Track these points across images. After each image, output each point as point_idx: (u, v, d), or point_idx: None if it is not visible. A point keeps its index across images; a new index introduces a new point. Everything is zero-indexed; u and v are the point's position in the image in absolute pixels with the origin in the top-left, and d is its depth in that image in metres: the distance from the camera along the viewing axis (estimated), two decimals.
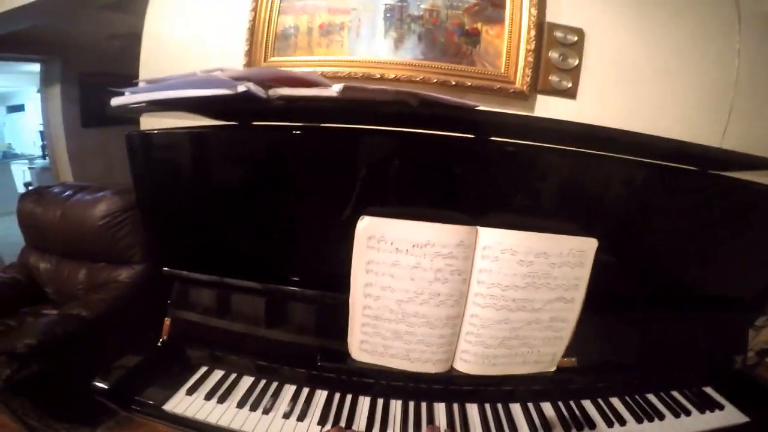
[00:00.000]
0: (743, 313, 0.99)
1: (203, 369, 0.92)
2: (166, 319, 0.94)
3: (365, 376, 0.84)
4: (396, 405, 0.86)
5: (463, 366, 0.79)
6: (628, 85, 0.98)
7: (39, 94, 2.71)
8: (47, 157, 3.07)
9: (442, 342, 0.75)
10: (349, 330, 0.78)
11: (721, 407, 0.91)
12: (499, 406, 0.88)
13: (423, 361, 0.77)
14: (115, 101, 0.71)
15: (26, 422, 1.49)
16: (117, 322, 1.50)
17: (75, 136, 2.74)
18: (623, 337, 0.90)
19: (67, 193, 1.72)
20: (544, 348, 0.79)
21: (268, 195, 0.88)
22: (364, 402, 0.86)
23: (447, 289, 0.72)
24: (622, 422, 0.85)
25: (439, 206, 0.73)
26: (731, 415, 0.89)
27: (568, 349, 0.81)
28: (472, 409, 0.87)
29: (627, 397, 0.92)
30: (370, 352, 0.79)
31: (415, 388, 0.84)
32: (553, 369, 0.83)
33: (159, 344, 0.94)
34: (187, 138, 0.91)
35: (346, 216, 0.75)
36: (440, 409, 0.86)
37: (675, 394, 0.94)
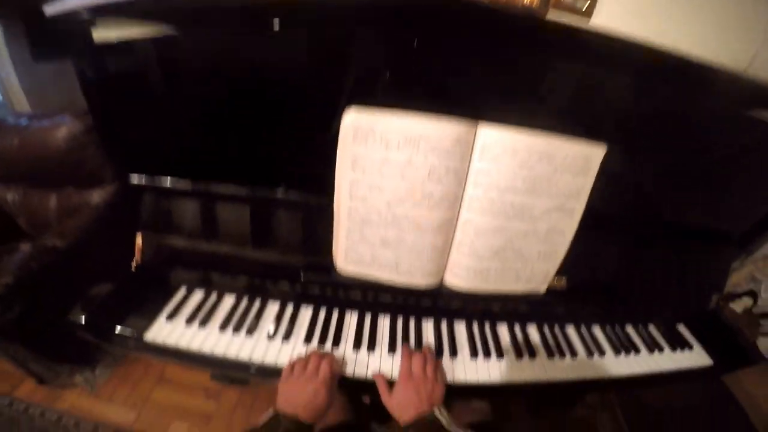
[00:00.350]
0: (730, 246, 0.97)
1: (182, 290, 0.87)
2: (137, 236, 0.87)
3: (351, 289, 0.79)
4: (384, 321, 0.83)
5: (454, 280, 0.75)
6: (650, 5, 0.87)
7: None
8: (1, 95, 2.83)
9: (433, 251, 0.71)
10: (334, 238, 0.73)
11: (691, 347, 0.92)
12: (487, 325, 0.86)
13: (413, 274, 0.73)
14: (51, 9, 0.60)
15: (28, 368, 1.48)
16: (95, 247, 1.43)
17: (27, 71, 2.53)
18: (612, 262, 0.87)
19: (21, 121, 1.59)
20: (539, 264, 0.76)
21: (243, 96, 0.78)
22: (351, 318, 0.83)
23: (441, 190, 0.66)
24: (602, 352, 0.85)
25: (434, 101, 0.65)
26: (698, 356, 0.91)
27: (559, 268, 0.78)
28: (460, 327, 0.85)
29: (608, 326, 0.93)
30: (356, 262, 0.74)
31: (403, 303, 0.81)
32: (544, 289, 0.81)
33: (133, 266, 0.87)
34: (149, 45, 0.77)
35: (332, 113, 0.66)
36: (428, 326, 0.84)
37: (651, 328, 0.95)
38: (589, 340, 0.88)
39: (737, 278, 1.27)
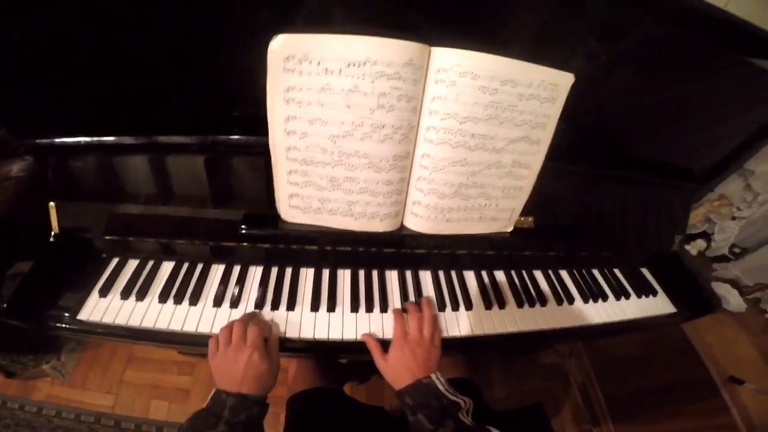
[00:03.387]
0: (693, 183, 0.96)
1: (114, 261, 0.77)
2: (50, 205, 0.74)
3: (302, 241, 0.71)
4: (344, 276, 0.76)
5: (414, 222, 0.69)
6: None
7: None
8: None
9: (389, 190, 0.63)
10: (275, 183, 0.63)
11: (655, 293, 0.92)
12: (453, 274, 0.81)
13: (369, 217, 0.66)
14: None
15: None
16: (21, 222, 1.28)
17: None
18: (578, 199, 0.84)
19: None
20: (504, 201, 0.70)
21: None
22: (307, 275, 0.76)
23: (393, 120, 0.57)
24: (571, 299, 0.83)
25: (378, 21, 0.55)
26: (663, 303, 0.91)
27: (525, 206, 0.73)
28: (426, 276, 0.80)
29: (575, 271, 0.90)
30: (302, 209, 0.65)
31: (364, 253, 0.74)
32: (510, 229, 0.76)
33: (51, 239, 0.74)
34: None
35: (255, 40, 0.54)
36: (392, 277, 0.78)
37: (617, 272, 0.94)
38: (558, 287, 0.85)
39: (692, 219, 1.30)
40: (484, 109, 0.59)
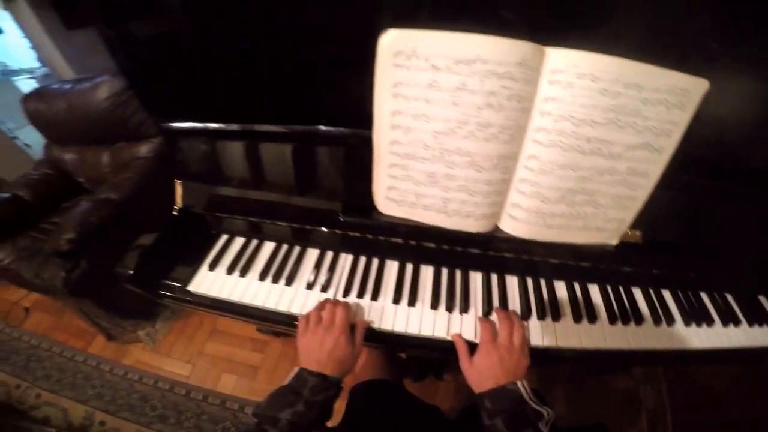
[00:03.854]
0: None
1: (223, 238, 0.86)
2: (176, 183, 0.86)
3: (393, 234, 0.73)
4: (427, 271, 0.77)
5: (510, 225, 0.66)
6: None
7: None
8: (46, 66, 2.99)
9: (489, 190, 0.62)
10: (374, 175, 0.66)
11: None
12: (543, 282, 0.77)
13: (463, 216, 0.65)
14: None
15: (99, 324, 1.64)
16: (145, 198, 1.50)
17: (63, 39, 2.63)
18: (696, 215, 0.73)
19: (67, 86, 1.67)
20: (613, 211, 0.64)
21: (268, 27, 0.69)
22: (392, 267, 0.78)
23: (501, 119, 0.56)
24: (670, 320, 0.74)
25: (487, 21, 0.53)
26: None
27: (634, 218, 0.66)
28: (512, 282, 0.77)
29: (680, 292, 0.80)
30: (398, 202, 0.67)
31: (449, 251, 0.74)
32: (616, 241, 0.70)
33: (174, 214, 0.86)
34: None
35: (367, 36, 0.56)
36: (476, 279, 0.76)
37: (729, 298, 0.80)
38: (658, 306, 0.76)
39: None
40: (604, 113, 0.55)
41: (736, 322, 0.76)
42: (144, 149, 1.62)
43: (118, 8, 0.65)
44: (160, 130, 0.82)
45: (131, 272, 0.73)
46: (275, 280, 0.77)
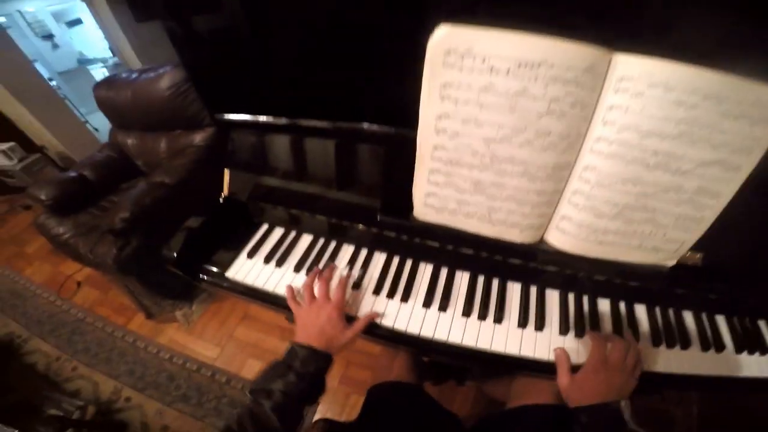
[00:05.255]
0: None
1: (264, 227, 0.88)
2: (225, 171, 0.89)
3: (429, 237, 0.72)
4: (462, 277, 0.75)
5: (558, 238, 0.63)
6: None
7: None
8: (116, 56, 3.28)
9: (539, 201, 0.59)
10: (415, 179, 0.64)
11: None
12: (585, 298, 0.73)
13: (508, 226, 0.62)
14: None
15: (140, 301, 1.74)
16: (197, 183, 1.58)
17: (133, 32, 2.86)
18: (759, 237, 0.66)
19: (133, 75, 1.79)
20: (674, 231, 0.60)
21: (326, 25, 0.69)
22: (425, 269, 0.76)
23: (562, 127, 0.53)
24: (720, 347, 0.68)
25: (550, 21, 0.50)
26: None
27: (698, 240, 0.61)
28: (552, 296, 0.73)
29: (735, 319, 0.73)
30: (437, 209, 0.65)
31: (487, 259, 0.71)
32: (673, 263, 0.64)
33: (221, 201, 0.89)
34: None
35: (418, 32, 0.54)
36: (514, 290, 0.74)
37: None
38: (709, 331, 0.70)
39: None
40: (675, 125, 0.50)
41: None
42: (198, 138, 1.70)
43: (181, 4, 0.67)
44: (213, 121, 0.85)
45: (175, 255, 0.76)
46: (309, 273, 0.78)
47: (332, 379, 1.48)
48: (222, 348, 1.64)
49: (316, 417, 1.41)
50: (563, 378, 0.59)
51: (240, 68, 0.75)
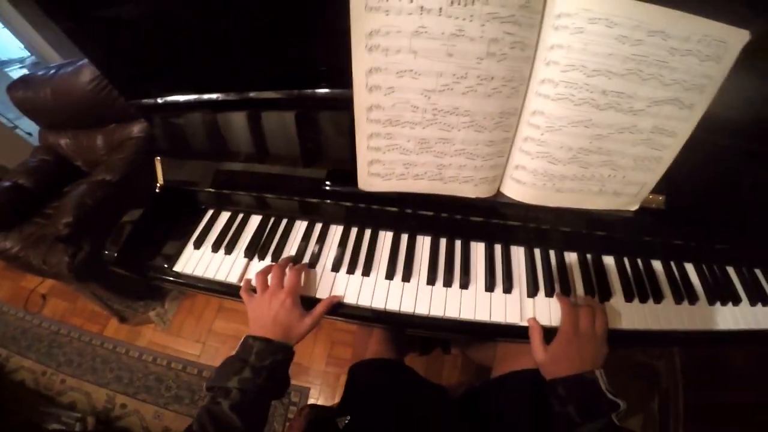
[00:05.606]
0: None
1: (209, 213, 0.82)
2: (156, 160, 0.81)
3: (386, 203, 0.68)
4: (423, 242, 0.72)
5: (514, 189, 0.60)
6: None
7: None
8: (33, 54, 3.03)
9: (490, 152, 0.55)
10: (357, 147, 0.58)
11: None
12: (552, 253, 0.71)
13: (461, 182, 0.59)
14: None
15: (111, 307, 1.67)
16: (142, 177, 1.49)
17: (46, 25, 2.60)
18: (725, 181, 0.65)
19: (50, 72, 1.64)
20: (634, 173, 0.57)
21: None
22: (385, 237, 0.73)
23: (504, 71, 0.48)
24: (693, 299, 0.68)
25: None
26: None
27: (657, 182, 0.59)
28: (518, 254, 0.71)
29: (704, 266, 0.73)
30: (383, 177, 0.60)
31: (448, 219, 0.68)
32: (636, 207, 0.63)
33: (157, 191, 0.81)
34: None
35: None
36: (479, 249, 0.71)
37: (758, 273, 0.74)
38: (680, 282, 0.70)
39: None
40: (623, 63, 0.47)
41: (765, 301, 0.70)
42: (136, 129, 1.60)
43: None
44: (130, 108, 0.76)
45: (116, 254, 0.70)
46: (262, 256, 0.73)
47: (319, 362, 1.47)
48: (203, 344, 1.61)
49: (310, 401, 1.42)
50: (538, 352, 0.58)
51: (143, 47, 0.66)
